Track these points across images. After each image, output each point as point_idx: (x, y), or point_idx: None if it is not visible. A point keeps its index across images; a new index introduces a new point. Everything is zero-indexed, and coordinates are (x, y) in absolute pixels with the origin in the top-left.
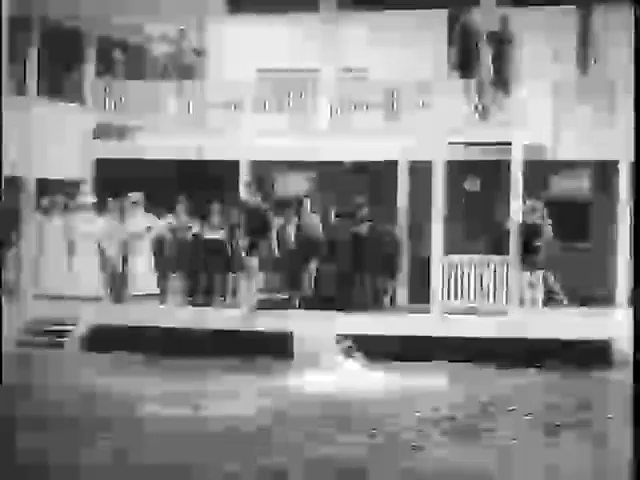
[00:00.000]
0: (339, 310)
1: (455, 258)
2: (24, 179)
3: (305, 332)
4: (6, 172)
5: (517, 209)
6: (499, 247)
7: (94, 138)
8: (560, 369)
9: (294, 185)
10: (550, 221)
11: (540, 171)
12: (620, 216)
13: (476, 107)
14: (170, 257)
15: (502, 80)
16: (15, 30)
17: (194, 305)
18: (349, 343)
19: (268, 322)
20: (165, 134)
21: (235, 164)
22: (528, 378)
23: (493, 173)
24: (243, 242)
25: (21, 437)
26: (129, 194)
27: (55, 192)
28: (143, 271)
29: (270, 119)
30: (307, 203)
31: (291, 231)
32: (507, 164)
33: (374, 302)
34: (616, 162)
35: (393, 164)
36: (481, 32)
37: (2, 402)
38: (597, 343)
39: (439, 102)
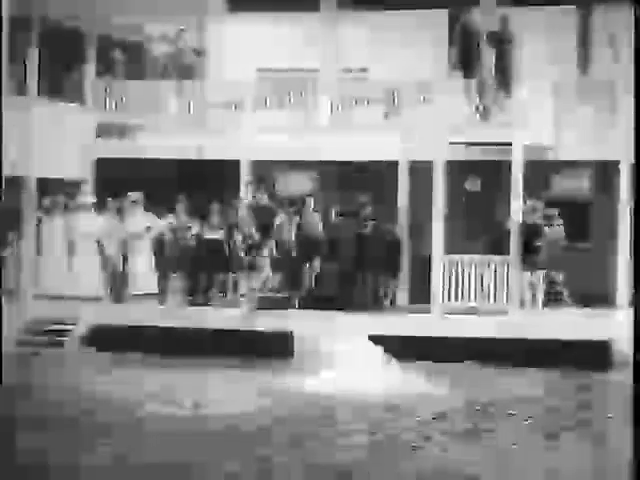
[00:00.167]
0: (339, 310)
1: (455, 258)
2: (24, 179)
3: (305, 332)
4: (6, 172)
5: (517, 209)
6: (499, 247)
7: (97, 137)
8: (560, 369)
9: (295, 185)
10: (561, 221)
11: (541, 171)
12: (620, 216)
13: (477, 107)
14: (170, 257)
15: (503, 80)
16: (15, 30)
17: (194, 305)
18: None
19: (268, 322)
20: (165, 134)
21: (235, 164)
22: (528, 378)
23: (494, 173)
24: (251, 241)
25: (21, 437)
26: (128, 193)
27: (55, 192)
28: (143, 271)
29: (270, 119)
30: (309, 202)
31: (292, 230)
32: (508, 164)
33: (374, 302)
34: (617, 162)
35: (394, 164)
36: (481, 32)
37: (2, 402)
38: (597, 344)
39: (439, 102)
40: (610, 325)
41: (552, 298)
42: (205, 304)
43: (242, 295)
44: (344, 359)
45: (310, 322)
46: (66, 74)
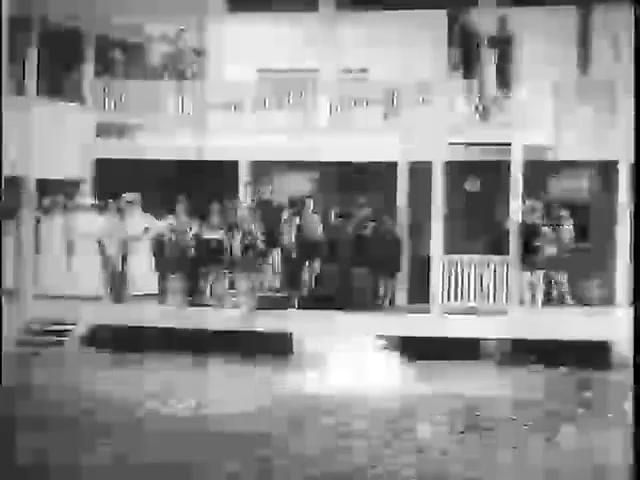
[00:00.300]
0: (339, 310)
1: (455, 258)
2: (24, 179)
3: (305, 332)
4: (6, 172)
5: (517, 209)
6: (499, 247)
7: (96, 137)
8: (560, 369)
9: (295, 185)
10: (572, 221)
11: (540, 171)
12: (620, 216)
13: (476, 107)
14: (170, 257)
15: (503, 80)
16: (15, 30)
17: (194, 305)
18: (384, 342)
19: (268, 322)
20: (165, 134)
21: (235, 164)
22: (528, 378)
23: (493, 173)
24: (250, 239)
25: (21, 437)
26: (123, 195)
27: (55, 192)
28: (143, 271)
29: (270, 119)
30: (308, 203)
31: (292, 231)
32: (507, 164)
33: (374, 302)
34: (616, 162)
35: (393, 165)
36: (481, 33)
37: (2, 402)
38: (597, 344)
39: (439, 102)
40: (610, 325)
41: (555, 299)
42: (204, 304)
43: (234, 295)
44: (344, 359)
45: (310, 322)
46: (66, 74)
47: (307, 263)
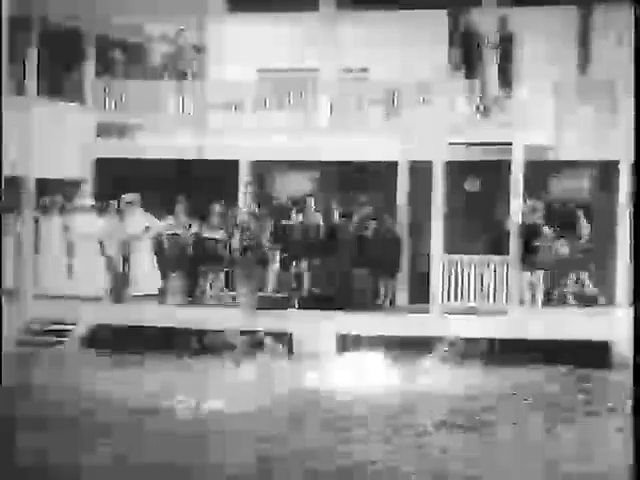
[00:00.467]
0: (339, 309)
1: (455, 258)
2: (24, 179)
3: (305, 332)
4: (6, 172)
5: (517, 209)
6: (499, 247)
7: (97, 136)
8: (559, 369)
9: (295, 185)
10: (585, 221)
11: (541, 171)
12: (621, 216)
13: (477, 107)
14: (170, 257)
15: (504, 80)
16: (15, 30)
17: (194, 305)
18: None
19: (267, 322)
20: (165, 134)
21: (235, 164)
22: (527, 378)
23: (494, 173)
24: (248, 240)
25: (21, 437)
26: (123, 195)
27: (55, 192)
28: (143, 271)
29: (270, 119)
30: (309, 203)
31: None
32: (508, 164)
33: (374, 302)
34: (617, 162)
35: (394, 164)
36: (482, 32)
37: (2, 402)
38: (597, 344)
39: (439, 102)
40: (610, 325)
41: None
42: (204, 304)
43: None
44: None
45: (309, 322)
46: (66, 74)
47: (307, 263)
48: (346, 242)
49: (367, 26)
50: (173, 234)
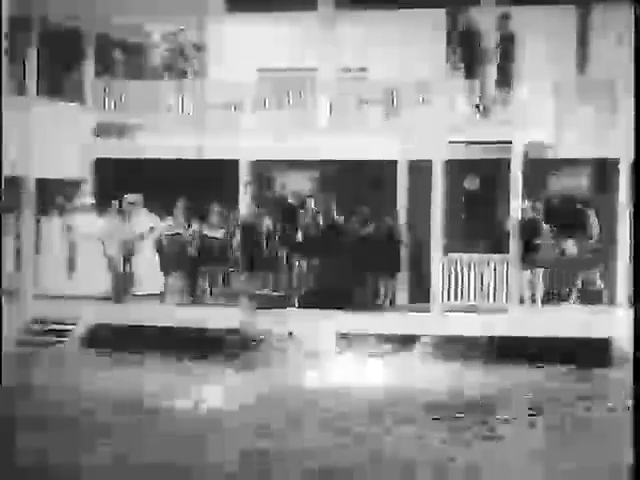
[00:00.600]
0: (339, 309)
1: (455, 257)
2: (24, 179)
3: (304, 331)
4: (6, 172)
5: (517, 208)
6: (499, 246)
7: (96, 136)
8: (560, 367)
9: (295, 185)
10: (596, 220)
11: (540, 170)
12: (620, 215)
13: (477, 106)
14: (170, 257)
15: (504, 79)
16: (15, 30)
17: (194, 304)
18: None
19: (268, 321)
20: (165, 134)
21: (235, 164)
22: (527, 376)
23: (493, 172)
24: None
25: (21, 437)
26: (125, 196)
27: (55, 192)
28: (147, 271)
29: (270, 119)
30: (309, 202)
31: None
32: (507, 163)
33: (374, 301)
34: (617, 161)
35: (393, 163)
36: (482, 31)
37: (2, 402)
38: (597, 342)
39: (439, 101)
40: (610, 323)
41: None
42: (205, 303)
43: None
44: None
45: (309, 321)
46: (66, 74)
47: (307, 262)
48: (346, 242)
49: (366, 25)
50: (173, 234)
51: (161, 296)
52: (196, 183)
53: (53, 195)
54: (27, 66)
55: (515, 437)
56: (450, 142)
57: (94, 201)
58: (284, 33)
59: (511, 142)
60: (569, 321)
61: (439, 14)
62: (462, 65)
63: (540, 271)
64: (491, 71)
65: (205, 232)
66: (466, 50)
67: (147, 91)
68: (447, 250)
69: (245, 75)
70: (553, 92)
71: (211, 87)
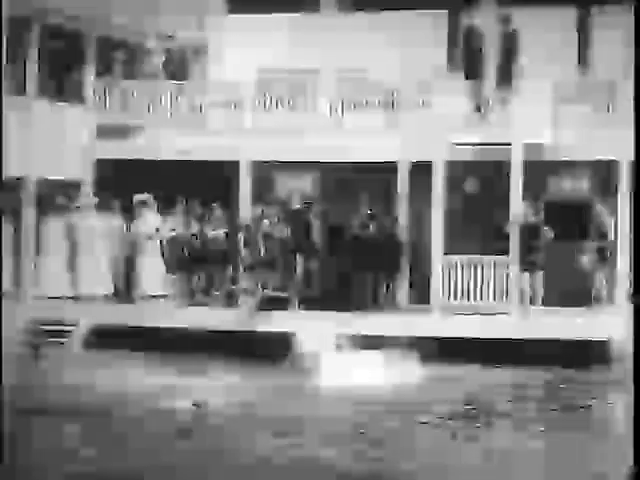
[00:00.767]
0: (339, 310)
1: (455, 258)
2: (24, 179)
3: (306, 332)
4: (6, 172)
5: (517, 209)
6: (499, 247)
7: (97, 137)
8: (559, 369)
9: (295, 185)
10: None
11: (540, 171)
12: (620, 216)
13: (477, 107)
14: (170, 257)
15: (504, 80)
16: (15, 30)
17: (195, 305)
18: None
19: (268, 322)
20: (165, 134)
21: (235, 164)
22: (527, 377)
23: (493, 173)
24: (288, 244)
25: (21, 437)
26: (136, 195)
27: (55, 192)
28: (147, 272)
29: (270, 119)
30: (295, 202)
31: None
32: (507, 164)
33: (375, 302)
34: (616, 162)
35: (394, 164)
36: (484, 33)
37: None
38: (597, 343)
39: (439, 102)
40: (610, 324)
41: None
42: (205, 304)
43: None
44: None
45: (310, 322)
46: (66, 74)
47: (307, 263)
48: (346, 242)
49: (367, 26)
50: (174, 235)
51: (163, 297)
52: (196, 184)
53: (53, 195)
54: (27, 66)
55: (515, 437)
56: (450, 144)
57: (96, 201)
58: (284, 33)
59: (511, 143)
60: (567, 323)
61: (440, 15)
62: (463, 65)
63: (540, 272)
64: (491, 72)
65: (205, 233)
66: (466, 51)
67: (147, 91)
68: (447, 251)
69: (245, 75)
70: (553, 92)
71: (211, 87)
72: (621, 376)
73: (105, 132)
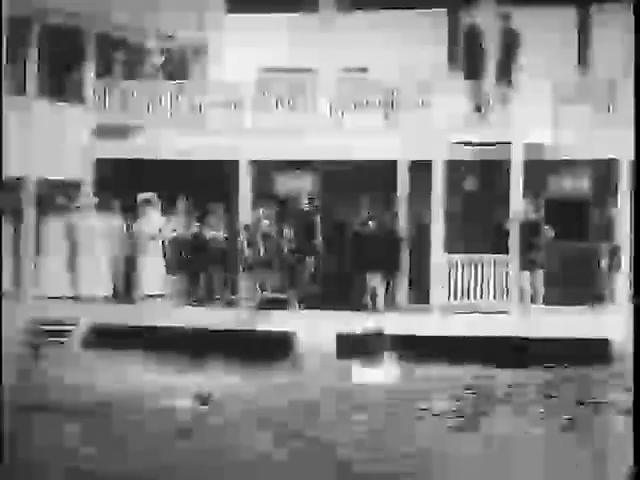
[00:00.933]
0: (339, 309)
1: (455, 257)
2: (24, 179)
3: (306, 332)
4: (6, 172)
5: (517, 208)
6: (499, 246)
7: (96, 137)
8: (559, 368)
9: (295, 185)
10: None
11: (540, 171)
12: (620, 215)
13: (477, 107)
14: (170, 257)
15: (504, 80)
16: (15, 30)
17: (195, 305)
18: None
19: (268, 322)
20: (166, 134)
21: (235, 164)
22: (527, 377)
23: (493, 172)
24: (290, 244)
25: (21, 437)
26: (140, 194)
27: (55, 192)
28: (147, 272)
29: (270, 119)
30: (302, 202)
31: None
32: (507, 163)
33: (374, 301)
34: (616, 161)
35: (394, 163)
36: (483, 32)
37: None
38: (597, 342)
39: (439, 102)
40: (610, 323)
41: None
42: (206, 304)
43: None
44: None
45: (310, 322)
46: (66, 74)
47: (307, 263)
48: (346, 242)
49: (366, 26)
50: (174, 235)
51: (163, 297)
52: (196, 184)
53: (53, 195)
54: (27, 66)
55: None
56: (450, 143)
57: (97, 201)
58: (284, 33)
59: (511, 143)
60: (568, 322)
61: (440, 15)
62: (462, 65)
63: (540, 271)
64: (491, 71)
65: (205, 233)
66: (467, 50)
67: (147, 91)
68: (447, 250)
69: (245, 75)
70: (552, 92)
71: (211, 87)
72: (621, 376)
73: (105, 132)
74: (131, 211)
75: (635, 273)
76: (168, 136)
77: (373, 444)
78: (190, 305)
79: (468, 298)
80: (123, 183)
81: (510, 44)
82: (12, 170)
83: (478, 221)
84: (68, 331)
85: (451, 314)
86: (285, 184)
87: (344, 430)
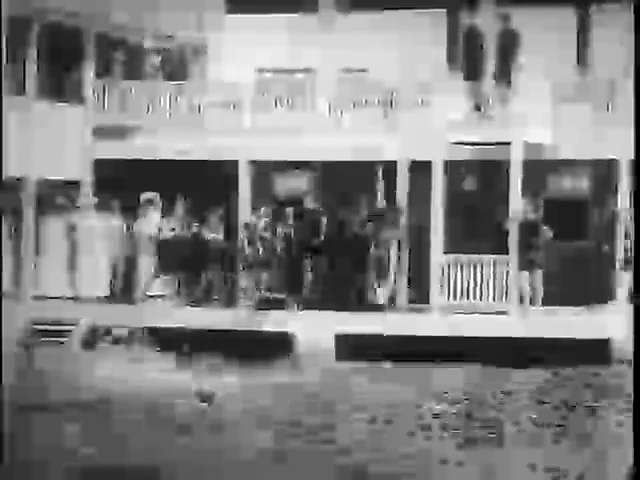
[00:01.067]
0: (338, 309)
1: (455, 257)
2: (24, 179)
3: (305, 332)
4: (6, 172)
5: (516, 208)
6: (498, 246)
7: (96, 137)
8: (559, 368)
9: (294, 185)
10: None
11: (540, 170)
12: (620, 214)
13: (477, 107)
14: (170, 258)
15: (503, 80)
16: (15, 30)
17: (194, 305)
18: None
19: (267, 322)
20: (165, 134)
21: (235, 164)
22: (527, 377)
23: (492, 172)
24: (299, 245)
25: (20, 437)
26: (143, 193)
27: (55, 192)
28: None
29: (269, 119)
30: (308, 202)
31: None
32: (507, 163)
33: (374, 301)
34: (616, 161)
35: (393, 164)
36: (482, 32)
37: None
38: (597, 342)
39: (438, 102)
40: (609, 324)
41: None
42: (205, 304)
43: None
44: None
45: (310, 322)
46: (66, 74)
47: (307, 263)
48: (346, 242)
49: (365, 26)
50: (173, 235)
51: (163, 297)
52: (196, 184)
53: (53, 195)
54: (27, 66)
55: (515, 438)
56: (449, 143)
57: (96, 201)
58: (284, 33)
59: (510, 143)
60: (567, 322)
61: (439, 15)
62: (462, 65)
63: (540, 271)
64: (491, 72)
65: (204, 233)
66: (466, 50)
67: (146, 92)
68: (447, 250)
69: (244, 75)
70: (552, 91)
71: (210, 87)
72: (621, 376)
73: (104, 132)
74: (131, 211)
75: (635, 273)
76: (167, 136)
77: (373, 444)
78: (189, 305)
79: (467, 298)
80: (123, 183)
81: (509, 44)
82: (12, 170)
83: (477, 221)
84: (68, 331)
85: (450, 314)
86: (284, 184)
87: (344, 430)
